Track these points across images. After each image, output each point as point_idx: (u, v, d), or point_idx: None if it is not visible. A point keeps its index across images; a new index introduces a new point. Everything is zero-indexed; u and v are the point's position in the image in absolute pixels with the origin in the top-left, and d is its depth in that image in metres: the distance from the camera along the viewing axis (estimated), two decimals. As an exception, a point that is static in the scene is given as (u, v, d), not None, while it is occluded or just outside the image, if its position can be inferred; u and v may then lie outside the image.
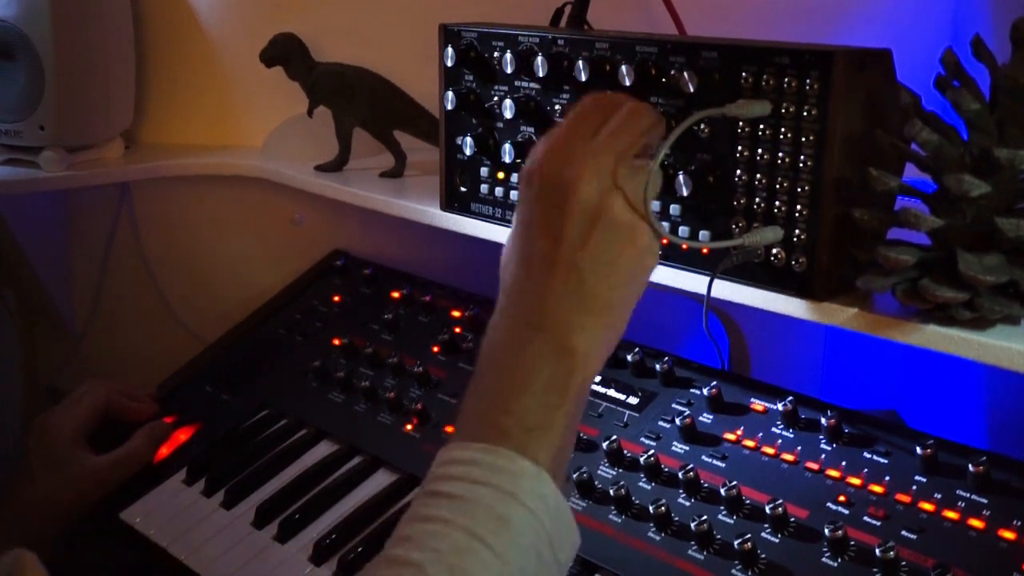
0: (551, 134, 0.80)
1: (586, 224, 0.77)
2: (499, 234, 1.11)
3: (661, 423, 1.04)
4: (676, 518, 0.93)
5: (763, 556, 0.87)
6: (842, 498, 0.90)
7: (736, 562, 0.88)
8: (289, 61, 1.41)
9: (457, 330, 1.26)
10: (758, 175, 0.89)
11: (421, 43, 1.29)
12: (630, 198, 0.78)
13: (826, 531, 0.85)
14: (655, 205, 0.96)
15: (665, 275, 0.97)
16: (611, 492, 0.96)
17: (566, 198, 0.77)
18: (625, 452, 1.01)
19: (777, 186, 0.88)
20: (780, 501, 0.89)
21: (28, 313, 1.60)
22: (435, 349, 1.25)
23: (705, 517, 0.90)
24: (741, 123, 0.89)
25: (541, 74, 1.02)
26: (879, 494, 0.89)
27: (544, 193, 0.78)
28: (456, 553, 0.68)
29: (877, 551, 0.82)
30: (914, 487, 0.89)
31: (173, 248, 1.67)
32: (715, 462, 0.98)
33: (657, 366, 1.09)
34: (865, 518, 0.87)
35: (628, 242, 0.78)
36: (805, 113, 0.85)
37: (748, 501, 0.92)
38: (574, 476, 0.98)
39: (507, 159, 1.06)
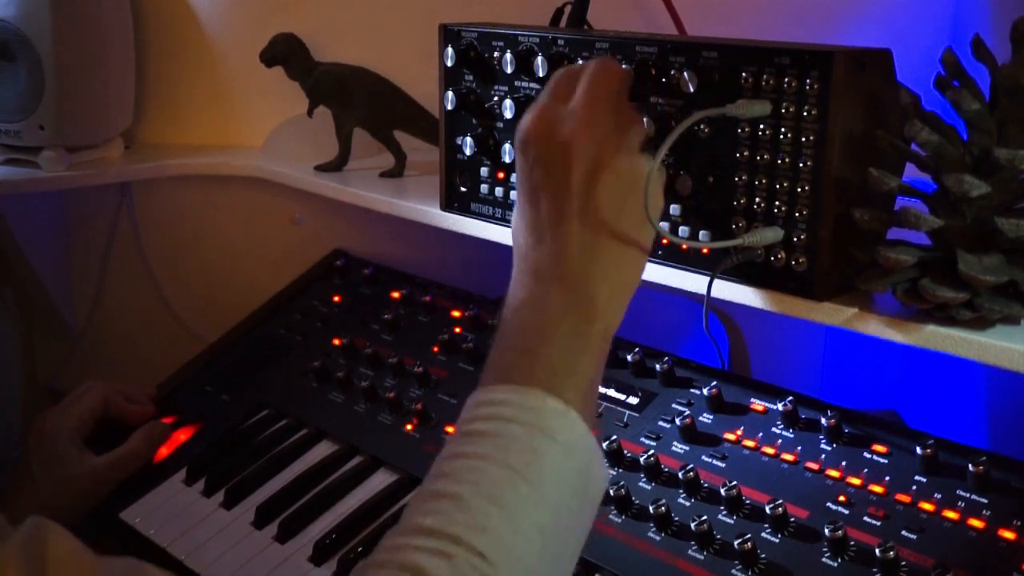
0: (533, 107, 0.83)
1: (589, 175, 0.80)
2: (499, 234, 1.11)
3: (661, 423, 1.04)
4: (676, 518, 0.93)
5: (763, 556, 0.87)
6: (842, 498, 0.90)
7: (736, 562, 0.88)
8: (289, 61, 1.41)
9: (457, 330, 1.26)
10: (758, 175, 0.89)
11: (421, 43, 1.29)
12: (622, 145, 0.81)
13: (826, 531, 0.85)
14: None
15: (665, 275, 0.97)
16: (611, 492, 0.96)
17: (564, 155, 0.80)
18: (625, 452, 1.01)
19: (777, 186, 0.88)
20: (780, 501, 0.89)
21: (28, 313, 1.60)
22: (435, 349, 1.25)
23: (705, 517, 0.90)
24: (741, 123, 0.89)
25: (541, 74, 1.01)
26: (879, 494, 0.89)
27: (542, 156, 0.81)
28: (494, 485, 0.71)
29: (877, 551, 0.82)
30: (914, 487, 0.89)
31: (173, 248, 1.67)
32: (715, 462, 0.98)
33: (657, 366, 1.09)
34: (865, 518, 0.87)
35: (632, 185, 0.80)
36: (805, 113, 0.85)
37: (748, 501, 0.92)
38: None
39: (507, 159, 1.06)
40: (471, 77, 1.10)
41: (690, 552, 0.90)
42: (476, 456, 0.73)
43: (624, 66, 0.86)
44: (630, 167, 0.81)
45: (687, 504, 0.94)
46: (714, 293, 0.93)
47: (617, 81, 0.84)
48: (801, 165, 0.86)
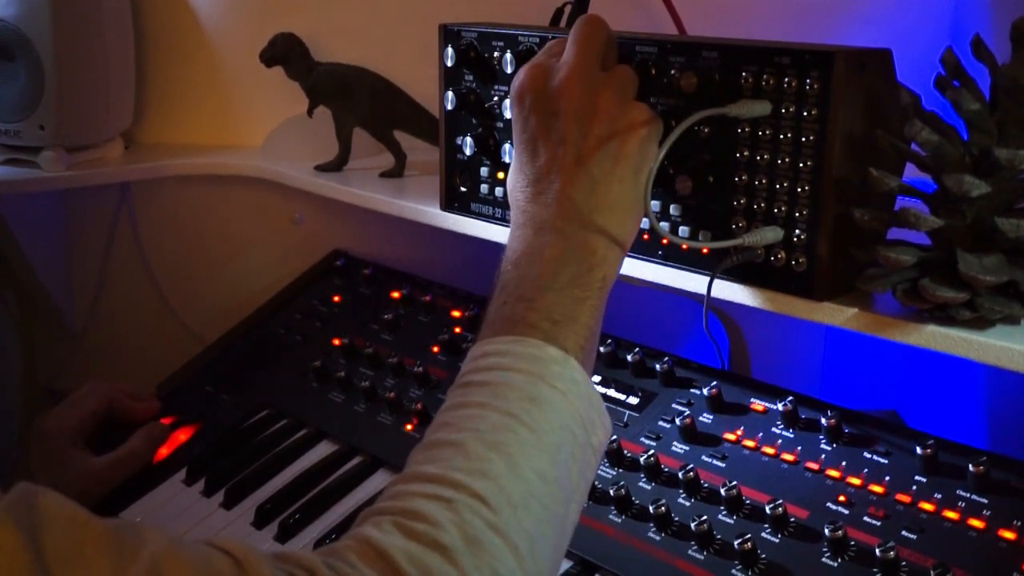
0: (527, 64, 0.87)
1: (584, 122, 0.82)
2: (499, 234, 1.11)
3: (661, 423, 1.04)
4: (676, 518, 0.93)
5: (763, 556, 0.87)
6: (842, 498, 0.90)
7: (736, 562, 0.88)
8: (289, 61, 1.41)
9: (457, 330, 1.26)
10: (758, 175, 0.89)
11: (421, 43, 1.29)
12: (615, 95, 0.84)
13: (826, 531, 0.85)
14: (655, 205, 0.96)
15: (665, 275, 0.97)
16: (611, 492, 0.96)
17: (559, 102, 0.82)
18: (625, 452, 1.01)
19: (777, 186, 0.88)
20: (780, 501, 0.89)
21: (28, 313, 1.60)
22: (435, 349, 1.25)
23: (705, 517, 0.90)
24: (741, 123, 0.89)
25: (541, 74, 1.01)
26: (879, 494, 0.89)
27: (538, 104, 0.84)
28: (494, 431, 0.71)
29: (877, 551, 0.82)
30: (914, 487, 0.89)
31: (173, 248, 1.67)
32: (715, 462, 0.98)
33: (657, 366, 1.09)
34: (865, 518, 0.87)
35: (627, 131, 0.82)
36: (805, 113, 0.85)
37: (748, 501, 0.92)
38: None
39: (507, 159, 1.06)
40: (471, 77, 1.09)
41: (690, 552, 0.90)
42: (476, 405, 0.73)
43: (599, 18, 0.90)
44: (624, 114, 0.83)
45: (687, 504, 0.94)
46: (714, 293, 0.93)
47: (603, 33, 0.87)
48: (801, 165, 0.86)
